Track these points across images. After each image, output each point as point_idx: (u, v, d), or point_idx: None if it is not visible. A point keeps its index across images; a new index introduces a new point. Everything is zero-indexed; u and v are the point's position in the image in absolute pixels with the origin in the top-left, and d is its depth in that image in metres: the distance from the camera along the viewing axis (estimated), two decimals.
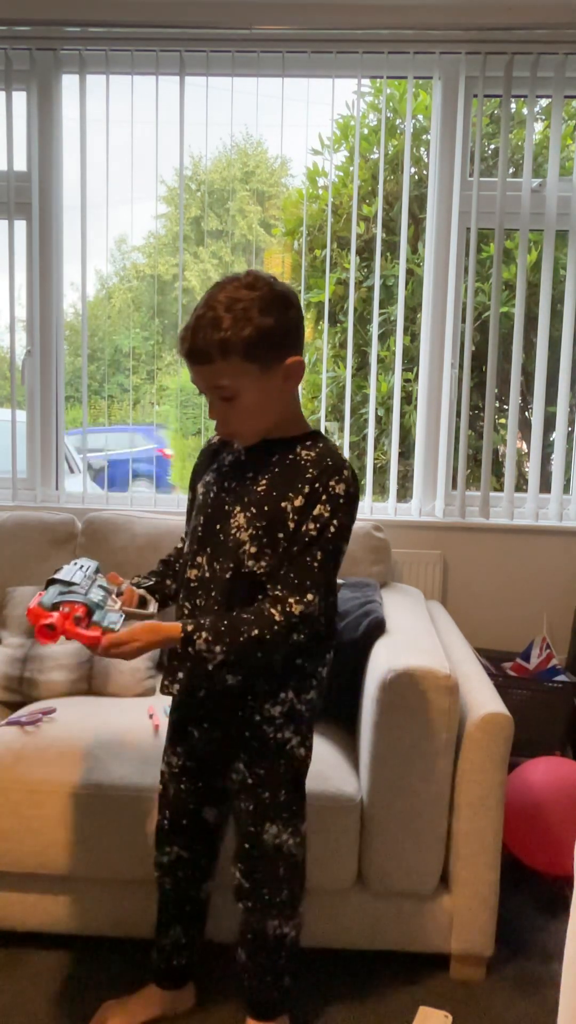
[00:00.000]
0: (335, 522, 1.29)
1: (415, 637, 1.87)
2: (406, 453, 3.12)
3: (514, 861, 2.03)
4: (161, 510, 2.75)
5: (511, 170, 3.34)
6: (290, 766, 1.42)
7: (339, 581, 2.14)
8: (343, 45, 2.60)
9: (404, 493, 2.90)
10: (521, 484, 2.96)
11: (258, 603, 1.30)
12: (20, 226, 2.77)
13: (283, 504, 1.30)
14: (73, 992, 1.66)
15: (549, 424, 2.80)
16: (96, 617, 1.28)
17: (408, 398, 3.37)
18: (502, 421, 3.42)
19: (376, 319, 2.83)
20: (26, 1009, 1.61)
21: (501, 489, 2.81)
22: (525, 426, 3.23)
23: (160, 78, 2.66)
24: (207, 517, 1.38)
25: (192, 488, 1.50)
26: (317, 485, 1.30)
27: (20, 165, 2.76)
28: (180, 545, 1.57)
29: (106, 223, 2.74)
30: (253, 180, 6.28)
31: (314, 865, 1.65)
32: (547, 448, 2.90)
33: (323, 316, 3.08)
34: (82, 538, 2.49)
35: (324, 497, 1.29)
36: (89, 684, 2.09)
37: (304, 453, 1.34)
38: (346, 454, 2.88)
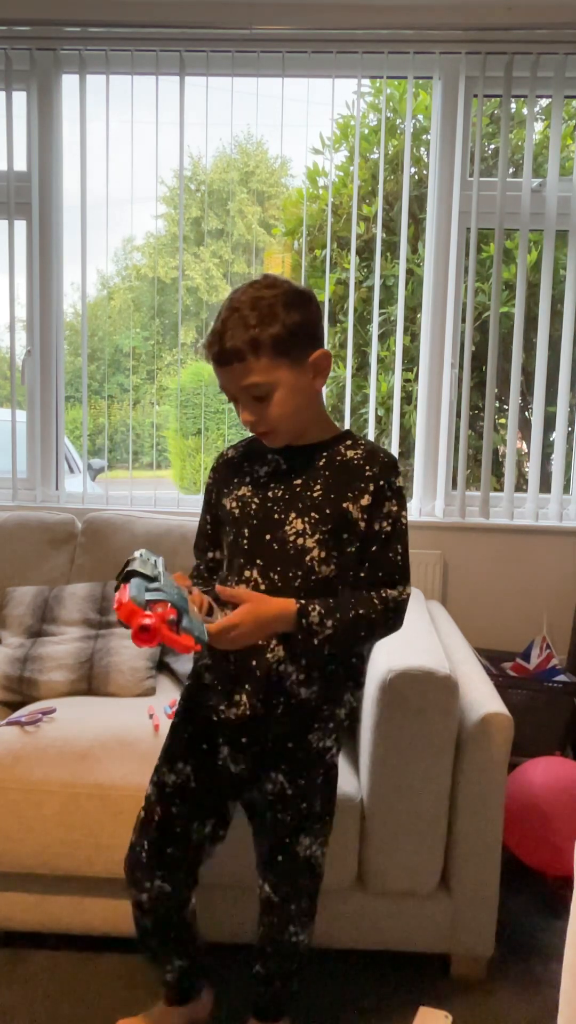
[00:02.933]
0: (404, 514, 1.35)
1: (415, 637, 1.87)
2: (406, 453, 3.12)
3: (514, 861, 2.03)
4: (161, 510, 2.75)
5: (511, 170, 3.34)
6: (328, 775, 1.41)
7: None
8: (343, 45, 2.60)
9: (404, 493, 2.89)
10: (521, 484, 2.96)
11: (351, 592, 1.32)
12: (20, 226, 2.77)
13: (345, 505, 1.31)
14: (73, 992, 1.66)
15: (549, 424, 2.80)
16: (185, 623, 1.19)
17: (408, 398, 3.37)
18: (502, 421, 3.42)
19: (376, 319, 2.83)
20: (26, 1009, 1.61)
21: (501, 489, 2.81)
22: (525, 426, 3.23)
23: (160, 78, 2.66)
24: (253, 529, 1.34)
25: (213, 503, 1.45)
26: (381, 482, 1.32)
27: (20, 165, 2.76)
28: (200, 562, 1.50)
29: (106, 223, 2.74)
30: (253, 180, 6.28)
31: None
32: (547, 448, 2.89)
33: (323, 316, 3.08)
34: (82, 538, 2.49)
35: (389, 493, 1.33)
36: (89, 684, 2.09)
37: (351, 453, 1.35)
38: None
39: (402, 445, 2.95)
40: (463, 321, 2.72)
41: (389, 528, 1.32)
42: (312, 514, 1.31)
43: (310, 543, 1.31)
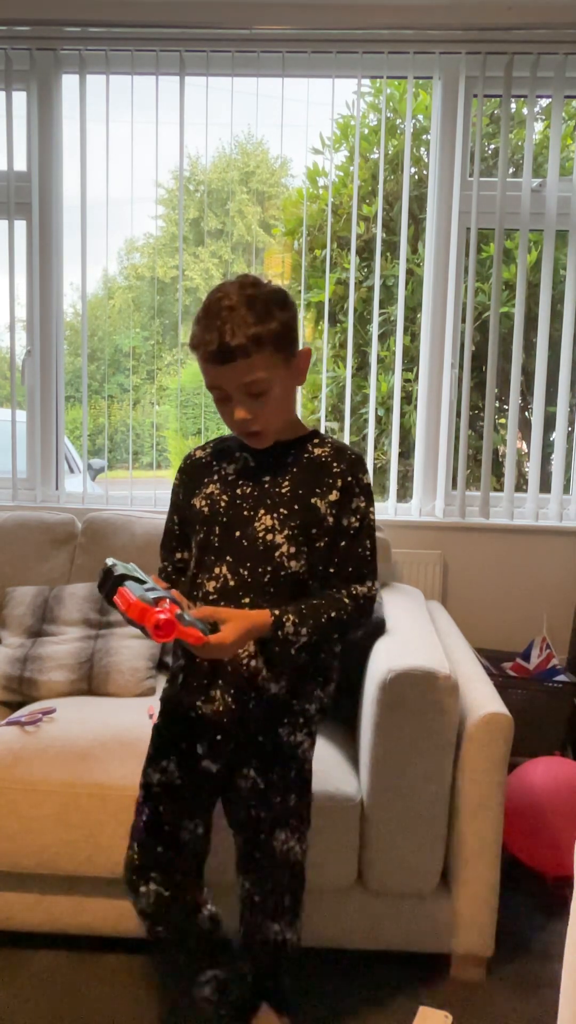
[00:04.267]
0: (371, 510, 1.37)
1: (415, 637, 1.87)
2: (406, 453, 3.12)
3: (514, 861, 2.03)
4: (161, 510, 2.74)
5: (511, 170, 3.34)
6: (301, 769, 1.42)
7: None
8: (343, 45, 2.60)
9: (404, 493, 2.90)
10: (521, 484, 2.96)
11: (322, 592, 1.34)
12: (20, 226, 2.77)
13: (313, 500, 1.34)
14: (73, 992, 1.66)
15: (549, 424, 2.80)
16: (188, 617, 1.21)
17: (408, 398, 3.37)
18: (502, 421, 3.42)
19: (376, 319, 2.83)
20: (26, 1009, 1.61)
21: (501, 489, 2.81)
22: (525, 426, 3.23)
23: (160, 78, 2.66)
24: (223, 526, 1.36)
25: (181, 503, 1.46)
26: (349, 478, 1.35)
27: (20, 165, 2.76)
28: (167, 563, 1.52)
29: (106, 223, 2.74)
30: (253, 180, 6.28)
31: (314, 865, 1.65)
32: (547, 448, 2.90)
33: (323, 316, 3.08)
34: (82, 538, 2.49)
35: (357, 490, 1.35)
36: (89, 684, 2.09)
37: (319, 451, 1.38)
38: None
39: (402, 445, 2.95)
40: (463, 321, 2.72)
41: (358, 524, 1.35)
42: (281, 510, 1.34)
43: (279, 539, 1.33)
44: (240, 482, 1.39)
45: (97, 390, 4.64)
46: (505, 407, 3.21)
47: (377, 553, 1.40)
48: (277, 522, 1.33)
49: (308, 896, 1.68)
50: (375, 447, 2.98)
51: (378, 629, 1.92)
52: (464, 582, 2.74)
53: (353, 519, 1.35)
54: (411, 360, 3.24)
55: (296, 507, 1.34)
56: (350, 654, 1.90)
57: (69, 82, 2.72)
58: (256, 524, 1.34)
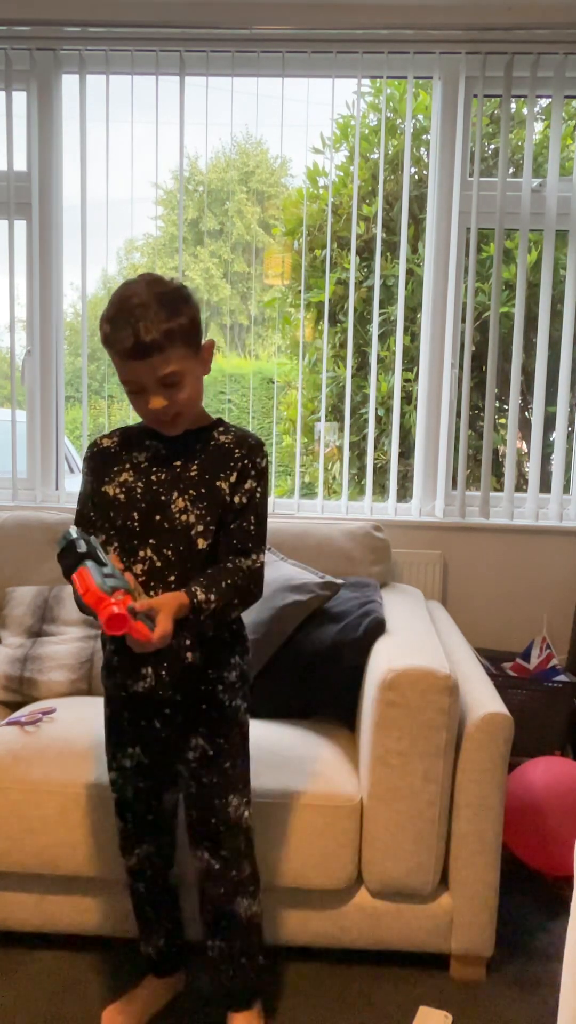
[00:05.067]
0: (259, 490, 1.45)
1: (415, 637, 1.87)
2: (406, 453, 3.12)
3: (514, 861, 2.03)
4: None
5: (511, 170, 3.34)
6: (242, 733, 1.50)
7: (339, 581, 2.15)
8: (343, 45, 2.60)
9: (404, 493, 2.90)
10: (521, 484, 2.96)
11: (215, 566, 1.41)
12: (20, 226, 2.77)
13: (219, 483, 1.42)
14: (73, 992, 1.66)
15: (549, 424, 2.80)
16: (138, 611, 1.23)
17: (408, 398, 3.37)
18: (502, 421, 3.42)
19: (376, 319, 2.83)
20: (26, 1009, 1.61)
21: (501, 489, 2.81)
22: (525, 426, 3.23)
23: (160, 78, 2.66)
24: (142, 511, 1.42)
25: (92, 492, 1.50)
26: (246, 462, 1.44)
27: (20, 165, 2.76)
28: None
29: (106, 223, 2.74)
30: (253, 180, 6.29)
31: (314, 865, 1.66)
32: (547, 448, 2.90)
33: (323, 316, 3.08)
34: None
35: (253, 472, 1.44)
36: (89, 684, 2.10)
37: (223, 438, 1.47)
38: (346, 454, 2.89)
39: (402, 445, 2.95)
40: (463, 321, 2.73)
41: (245, 501, 1.43)
42: (191, 491, 1.42)
43: (192, 518, 1.41)
44: (153, 469, 1.45)
45: (97, 390, 4.65)
46: (505, 407, 3.21)
47: (264, 529, 1.47)
48: (189, 503, 1.41)
49: (308, 897, 1.70)
50: (375, 447, 2.98)
51: (378, 629, 1.93)
52: (464, 582, 2.74)
53: (243, 498, 1.43)
54: (411, 360, 3.25)
55: (203, 490, 1.42)
56: (350, 654, 1.91)
57: (69, 82, 2.72)
58: (172, 507, 1.41)
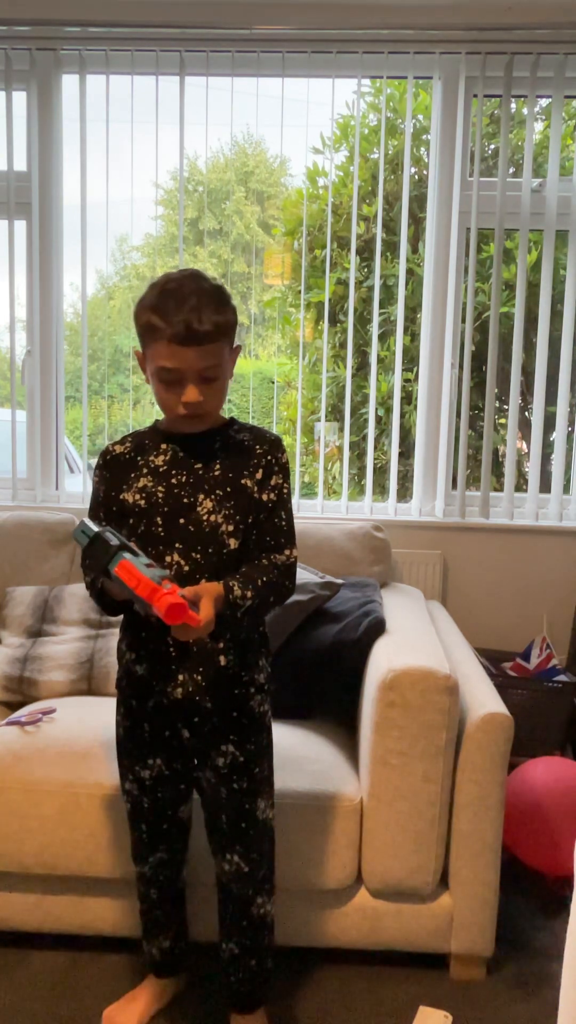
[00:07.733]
0: (285, 485, 1.45)
1: (415, 637, 1.87)
2: (406, 453, 3.12)
3: (514, 861, 2.03)
4: None
5: (511, 170, 3.34)
6: (269, 737, 1.49)
7: (339, 581, 2.15)
8: (343, 45, 2.60)
9: (404, 493, 2.90)
10: (521, 484, 2.96)
11: (248, 563, 1.40)
12: (20, 226, 2.77)
13: (243, 481, 1.41)
14: (73, 992, 1.66)
15: (549, 424, 2.80)
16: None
17: (408, 398, 3.37)
18: (502, 421, 3.42)
19: (376, 319, 2.83)
20: (26, 1009, 1.61)
21: (501, 489, 2.81)
22: (525, 426, 3.23)
23: (160, 78, 2.66)
24: (166, 516, 1.40)
25: (103, 500, 1.47)
26: (269, 458, 1.44)
27: (20, 165, 2.76)
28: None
29: (106, 223, 2.74)
30: (253, 180, 6.28)
31: (314, 865, 1.66)
32: (547, 448, 2.90)
33: (323, 316, 3.08)
34: None
35: (276, 468, 1.44)
36: (89, 684, 2.09)
37: (240, 436, 1.46)
38: (346, 454, 2.89)
39: (402, 445, 2.95)
40: (463, 321, 2.72)
41: (275, 498, 1.43)
42: (217, 491, 1.41)
43: (220, 519, 1.39)
44: (173, 472, 1.43)
45: (97, 390, 4.65)
46: (505, 407, 3.21)
47: (294, 523, 1.47)
48: (215, 503, 1.39)
49: (308, 897, 1.70)
50: (375, 447, 2.98)
51: (378, 629, 1.93)
52: (464, 582, 2.74)
53: (272, 494, 1.42)
54: (411, 360, 3.24)
55: (229, 488, 1.41)
56: (350, 654, 1.91)
57: (69, 82, 2.72)
58: (199, 508, 1.40)
